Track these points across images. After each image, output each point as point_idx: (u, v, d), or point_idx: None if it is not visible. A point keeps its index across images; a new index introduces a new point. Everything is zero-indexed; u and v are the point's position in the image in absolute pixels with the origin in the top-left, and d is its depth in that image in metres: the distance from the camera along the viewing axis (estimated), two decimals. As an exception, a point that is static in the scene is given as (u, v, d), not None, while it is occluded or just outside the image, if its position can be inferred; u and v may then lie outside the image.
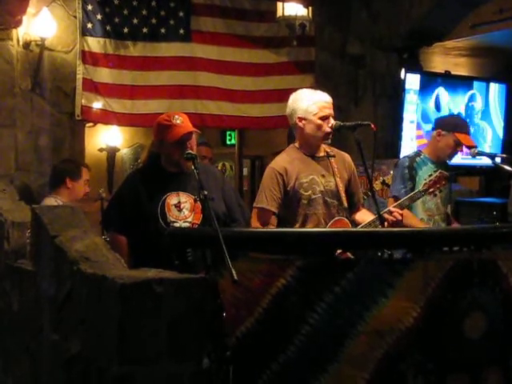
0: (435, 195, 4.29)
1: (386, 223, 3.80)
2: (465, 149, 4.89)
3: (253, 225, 3.86)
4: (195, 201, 3.72)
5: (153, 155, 3.96)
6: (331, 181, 3.92)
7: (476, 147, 4.75)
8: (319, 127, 3.88)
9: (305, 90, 4.05)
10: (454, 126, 4.68)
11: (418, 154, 4.76)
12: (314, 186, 3.88)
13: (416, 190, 4.20)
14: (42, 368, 2.80)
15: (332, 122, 3.88)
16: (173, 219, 3.74)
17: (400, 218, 3.88)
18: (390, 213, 3.89)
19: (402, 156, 5.74)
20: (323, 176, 3.92)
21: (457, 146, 4.67)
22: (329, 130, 3.87)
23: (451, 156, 4.75)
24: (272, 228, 3.82)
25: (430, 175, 4.24)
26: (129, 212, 3.79)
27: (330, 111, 3.91)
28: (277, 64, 6.75)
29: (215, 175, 4.00)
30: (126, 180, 4.10)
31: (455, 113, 7.33)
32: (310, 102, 3.90)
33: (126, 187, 3.97)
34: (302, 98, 3.94)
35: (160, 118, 3.89)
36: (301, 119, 3.92)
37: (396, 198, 4.41)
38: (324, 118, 3.88)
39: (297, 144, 4.02)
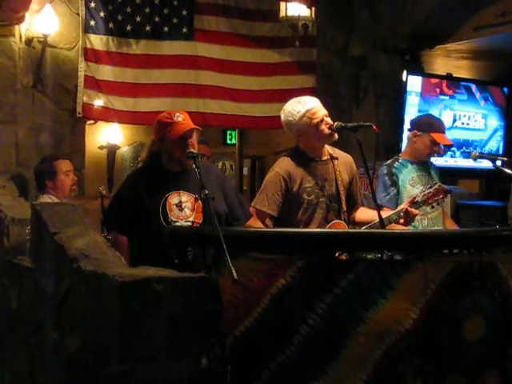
0: (433, 207, 4.29)
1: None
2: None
3: (252, 224, 3.84)
4: (196, 200, 3.71)
5: (153, 154, 3.92)
6: (333, 185, 3.93)
7: (452, 145, 4.75)
8: (317, 132, 3.87)
9: (290, 104, 3.98)
10: (428, 126, 4.68)
11: (395, 159, 4.76)
12: (317, 190, 3.88)
13: (415, 200, 4.17)
14: (40, 364, 2.80)
15: (329, 121, 3.88)
16: (174, 219, 3.69)
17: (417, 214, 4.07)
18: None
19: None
20: (326, 180, 3.92)
21: (433, 146, 4.67)
22: (327, 130, 3.87)
23: (429, 156, 4.76)
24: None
25: (420, 182, 4.22)
26: (130, 212, 3.75)
27: (322, 113, 3.90)
28: (279, 64, 6.74)
29: (216, 173, 3.97)
30: (126, 180, 4.05)
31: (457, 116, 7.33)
32: (300, 116, 3.88)
33: (127, 187, 3.93)
34: (292, 113, 3.91)
35: (161, 116, 3.84)
36: (299, 134, 3.93)
37: (380, 207, 4.43)
38: (320, 123, 3.87)
39: (301, 147, 4.01)
